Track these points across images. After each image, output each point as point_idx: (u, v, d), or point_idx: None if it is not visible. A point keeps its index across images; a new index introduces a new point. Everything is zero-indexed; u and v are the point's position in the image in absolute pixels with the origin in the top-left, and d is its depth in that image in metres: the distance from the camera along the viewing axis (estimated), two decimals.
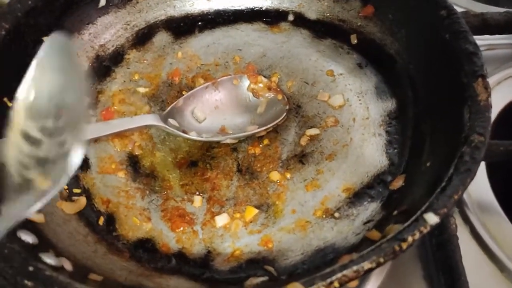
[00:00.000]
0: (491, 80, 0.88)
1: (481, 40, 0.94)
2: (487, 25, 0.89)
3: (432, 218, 0.48)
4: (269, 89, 0.78)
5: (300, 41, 0.84)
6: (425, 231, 0.47)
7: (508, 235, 0.72)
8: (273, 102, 0.77)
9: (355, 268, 0.45)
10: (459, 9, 1.00)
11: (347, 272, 0.45)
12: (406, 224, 0.49)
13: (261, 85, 0.78)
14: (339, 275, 0.45)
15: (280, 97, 0.76)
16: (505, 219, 0.73)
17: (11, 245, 0.50)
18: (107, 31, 0.85)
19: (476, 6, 1.04)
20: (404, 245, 0.46)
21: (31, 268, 0.48)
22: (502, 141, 0.71)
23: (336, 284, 0.45)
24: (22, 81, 0.71)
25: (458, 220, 0.72)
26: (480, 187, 0.77)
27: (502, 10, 0.96)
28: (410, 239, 0.47)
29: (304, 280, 0.45)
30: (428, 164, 0.61)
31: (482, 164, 0.78)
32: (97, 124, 0.75)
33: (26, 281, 0.47)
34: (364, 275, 0.47)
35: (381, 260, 0.46)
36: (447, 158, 0.55)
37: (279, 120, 0.74)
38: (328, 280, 0.44)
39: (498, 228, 0.72)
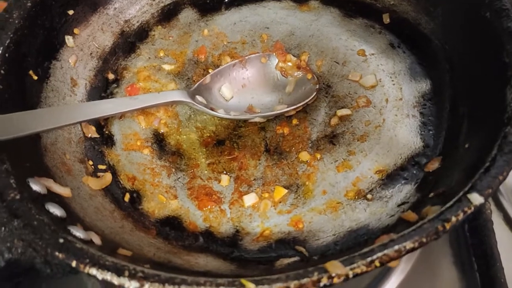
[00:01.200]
0: None
1: None
2: None
3: (477, 199, 0.46)
4: (298, 68, 0.76)
5: (330, 20, 0.82)
6: (469, 211, 0.45)
7: None
8: (302, 81, 0.75)
9: (396, 247, 0.44)
10: None
11: (389, 251, 0.43)
12: (448, 204, 0.47)
13: (290, 63, 0.76)
14: (380, 254, 0.43)
15: (309, 76, 0.74)
16: None
17: (40, 217, 0.49)
18: (132, 6, 0.83)
19: None
20: (448, 225, 0.45)
21: (61, 240, 0.47)
22: None
23: (377, 263, 0.43)
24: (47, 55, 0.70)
25: (491, 207, 0.70)
26: None
27: None
28: (453, 219, 0.45)
29: (343, 259, 0.43)
30: (466, 145, 0.59)
31: None
32: (122, 98, 0.74)
33: (57, 253, 0.46)
34: (404, 255, 0.45)
35: (424, 240, 0.44)
36: (489, 139, 0.53)
37: (308, 99, 0.72)
38: (369, 259, 0.43)
39: None
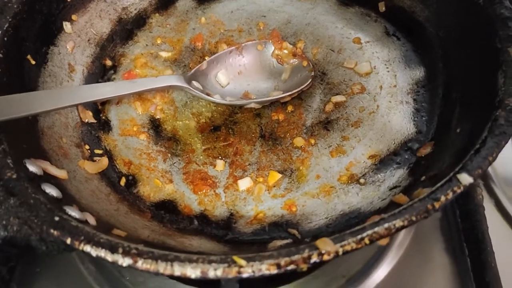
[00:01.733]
0: None
1: None
2: None
3: (466, 178, 0.47)
4: (294, 55, 0.76)
5: (326, 8, 0.83)
6: (458, 191, 0.46)
7: None
8: (298, 69, 0.75)
9: (386, 225, 0.44)
10: None
11: (379, 229, 0.44)
12: (438, 184, 0.47)
13: (286, 51, 0.77)
14: (369, 231, 0.44)
15: (305, 63, 0.75)
16: None
17: (36, 196, 0.50)
18: None
19: None
20: (437, 204, 0.45)
21: (56, 218, 0.47)
22: None
23: (366, 240, 0.44)
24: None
25: (483, 193, 0.70)
26: (505, 160, 0.75)
27: None
28: (443, 198, 0.45)
29: (334, 236, 0.44)
30: (458, 130, 0.60)
31: None
32: (120, 82, 0.74)
33: (52, 230, 0.46)
34: (395, 234, 0.46)
35: (413, 218, 0.45)
36: (480, 122, 0.53)
37: (304, 86, 0.72)
38: (359, 237, 0.44)
39: None
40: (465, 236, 0.65)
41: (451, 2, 0.69)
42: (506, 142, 0.50)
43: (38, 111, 0.58)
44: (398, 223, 0.44)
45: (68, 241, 0.46)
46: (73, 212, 0.52)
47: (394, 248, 0.69)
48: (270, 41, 0.78)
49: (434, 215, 0.46)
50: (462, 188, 0.46)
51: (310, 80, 0.73)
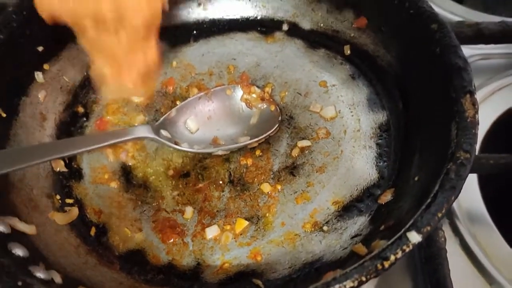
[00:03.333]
0: (485, 90, 0.89)
1: (476, 50, 0.95)
2: (482, 35, 0.89)
3: (414, 237, 0.48)
4: (262, 99, 0.78)
5: (294, 51, 0.85)
6: (407, 249, 0.48)
7: (498, 247, 0.72)
8: (265, 113, 0.77)
9: (337, 286, 0.46)
10: (456, 18, 1.01)
11: None
12: (390, 241, 0.49)
13: (254, 95, 0.79)
14: None
15: (272, 107, 0.77)
16: (495, 231, 0.73)
17: (1, 259, 0.51)
18: None
19: (473, 15, 1.04)
20: (387, 264, 0.47)
21: (19, 283, 0.49)
22: (492, 154, 0.71)
23: None
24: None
25: (447, 232, 0.72)
26: (471, 198, 0.77)
27: (498, 19, 0.96)
28: (392, 257, 0.47)
29: None
30: (416, 178, 0.61)
31: (474, 176, 0.78)
32: (90, 136, 0.76)
33: None
34: None
35: (363, 278, 0.46)
36: (434, 173, 0.55)
37: (271, 131, 0.74)
38: None
39: (488, 240, 0.73)
40: (429, 278, 0.67)
41: (411, 49, 0.71)
42: (456, 198, 0.51)
43: (10, 169, 0.58)
44: (349, 283, 0.46)
45: None
46: (39, 272, 0.54)
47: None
48: (239, 85, 0.79)
49: None
50: (411, 247, 0.48)
51: (277, 125, 0.75)
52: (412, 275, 0.71)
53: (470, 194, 0.77)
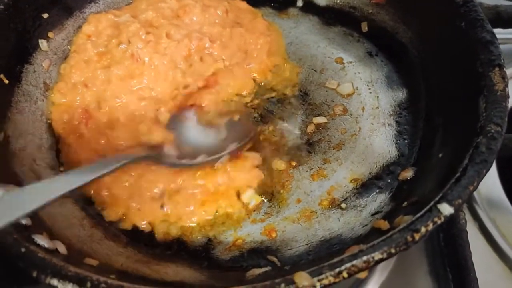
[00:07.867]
0: None
1: None
2: (500, 18, 0.87)
3: (446, 209, 0.46)
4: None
5: (309, 28, 0.82)
6: (439, 221, 0.45)
7: None
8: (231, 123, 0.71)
9: (365, 258, 0.43)
10: None
11: (357, 262, 0.43)
12: (418, 214, 0.46)
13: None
14: (348, 265, 0.42)
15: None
16: None
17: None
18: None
19: None
20: (417, 236, 0.44)
21: (23, 250, 0.45)
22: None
23: (345, 274, 0.42)
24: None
25: (467, 216, 0.69)
26: (489, 183, 0.74)
27: None
28: (423, 229, 0.44)
29: (311, 269, 0.43)
30: (440, 155, 0.59)
31: None
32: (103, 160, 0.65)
33: (18, 263, 0.44)
34: (374, 266, 0.44)
35: (393, 250, 0.43)
36: (461, 148, 0.53)
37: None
38: (337, 270, 0.42)
39: (507, 224, 0.70)
40: (448, 261, 0.64)
41: (434, 24, 0.69)
42: (488, 171, 0.49)
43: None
44: (377, 255, 0.43)
45: (34, 274, 0.44)
46: (42, 241, 0.50)
47: (377, 272, 0.68)
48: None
49: None
50: (442, 218, 0.45)
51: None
52: (429, 259, 0.68)
53: (488, 179, 0.75)
